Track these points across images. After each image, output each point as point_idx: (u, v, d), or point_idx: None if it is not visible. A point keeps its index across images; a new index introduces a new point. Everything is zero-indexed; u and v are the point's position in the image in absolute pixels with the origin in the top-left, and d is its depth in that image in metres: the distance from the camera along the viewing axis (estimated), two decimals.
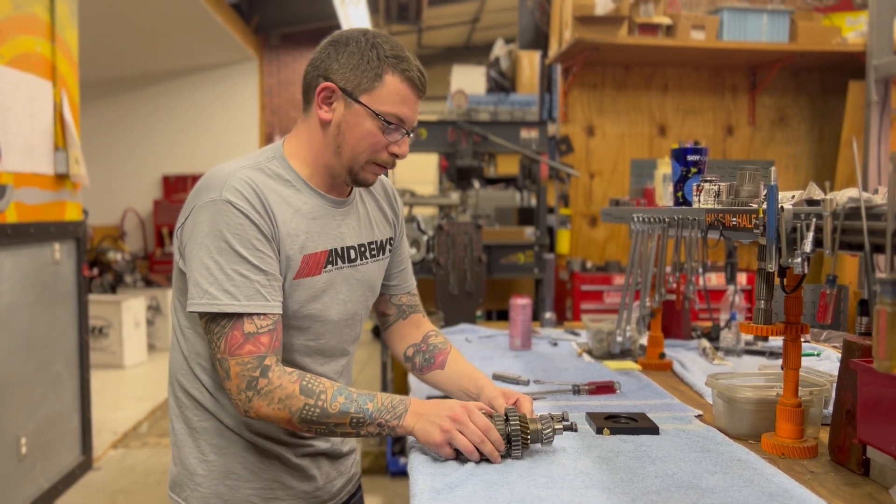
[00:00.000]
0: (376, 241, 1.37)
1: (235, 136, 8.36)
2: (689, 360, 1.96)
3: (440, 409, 1.16)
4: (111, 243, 7.66)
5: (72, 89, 3.43)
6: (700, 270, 1.71)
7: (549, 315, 2.42)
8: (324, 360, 1.29)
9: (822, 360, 1.89)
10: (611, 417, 1.40)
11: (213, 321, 1.14)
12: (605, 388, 1.63)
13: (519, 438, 1.15)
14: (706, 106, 4.17)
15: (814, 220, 1.02)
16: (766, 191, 1.19)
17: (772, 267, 1.09)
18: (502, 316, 3.84)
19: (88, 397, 3.52)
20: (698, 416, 1.47)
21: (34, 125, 3.09)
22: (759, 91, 4.14)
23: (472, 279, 2.62)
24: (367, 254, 1.34)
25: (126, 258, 7.15)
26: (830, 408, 1.41)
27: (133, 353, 6.06)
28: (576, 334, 2.35)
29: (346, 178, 1.26)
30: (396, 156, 1.26)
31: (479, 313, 4.21)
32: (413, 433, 1.16)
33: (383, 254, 1.40)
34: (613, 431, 1.34)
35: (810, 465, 1.21)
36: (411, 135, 1.28)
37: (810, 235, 1.01)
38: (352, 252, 1.30)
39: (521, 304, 2.06)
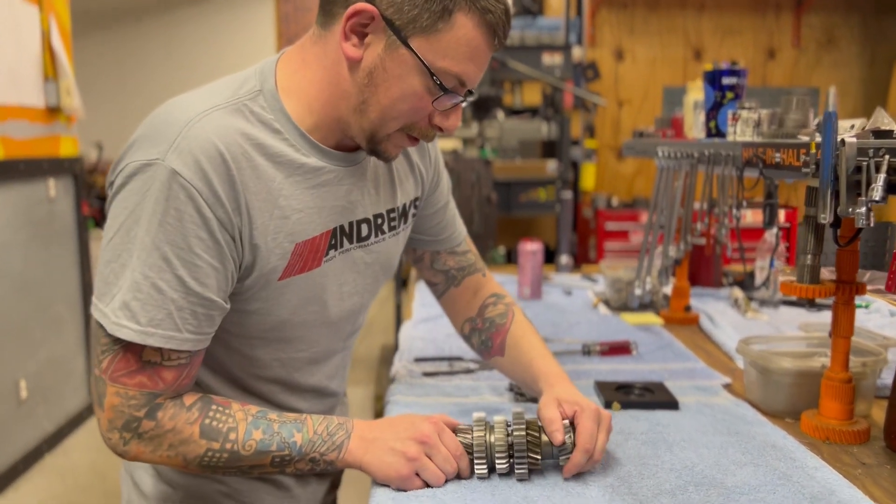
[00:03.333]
0: (397, 208, 1.03)
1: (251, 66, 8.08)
2: (719, 312, 1.74)
3: (399, 428, 0.89)
4: None
5: (61, 15, 3.21)
6: (734, 212, 1.48)
7: (564, 259, 2.21)
8: (311, 371, 1.03)
9: (872, 315, 1.66)
10: (623, 388, 1.21)
11: (102, 327, 0.82)
12: (620, 349, 1.43)
13: (525, 455, 0.89)
14: (746, 26, 3.82)
15: (886, 157, 0.79)
16: (819, 120, 0.95)
17: (825, 217, 0.86)
18: None
19: None
20: (726, 386, 1.26)
21: (20, 54, 2.89)
22: (805, 9, 3.76)
23: (479, 220, 2.41)
24: (386, 226, 1.01)
25: None
26: (886, 378, 1.20)
27: None
28: (593, 280, 2.14)
29: (361, 143, 0.91)
30: (441, 129, 0.91)
31: (500, 252, 4.01)
32: (363, 466, 0.88)
33: (405, 222, 1.06)
34: (625, 406, 1.15)
35: (861, 453, 1.00)
36: (468, 101, 0.91)
37: (881, 178, 0.78)
38: (364, 227, 0.98)
39: (530, 249, 1.85)
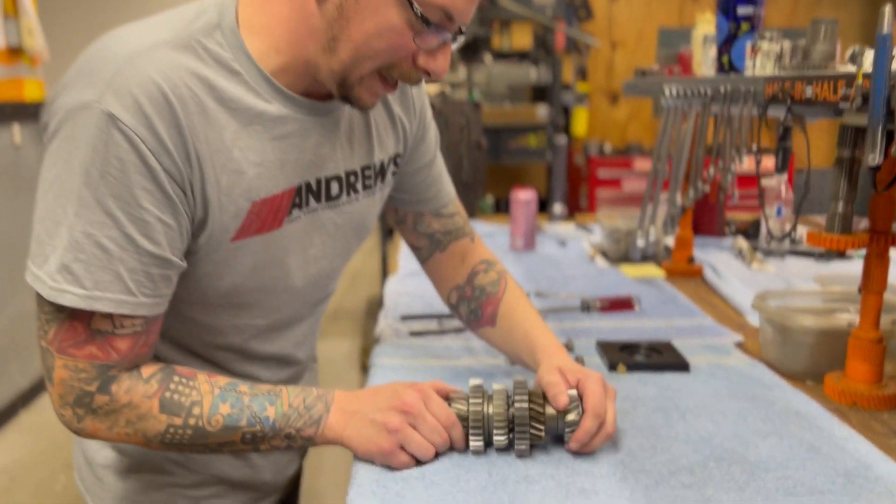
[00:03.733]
0: (374, 165, 0.90)
1: None
2: (723, 263, 1.65)
3: (380, 398, 0.79)
4: None
5: None
6: (744, 156, 1.37)
7: (558, 209, 2.10)
8: (272, 339, 0.92)
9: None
10: (628, 348, 1.11)
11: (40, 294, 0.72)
12: (622, 304, 1.33)
13: (527, 429, 0.79)
14: None
15: None
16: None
17: (875, 157, 0.74)
18: None
19: None
20: (738, 345, 1.17)
21: None
22: None
23: (469, 167, 2.28)
24: (359, 185, 0.89)
25: None
26: None
27: None
28: (588, 231, 2.03)
29: (332, 87, 0.78)
30: (428, 73, 0.78)
31: (488, 202, 3.89)
32: (344, 442, 0.78)
33: (382, 181, 0.93)
34: (631, 368, 1.05)
35: (893, 420, 0.91)
36: (457, 40, 0.79)
37: None
38: (334, 185, 0.85)
39: (523, 198, 1.74)
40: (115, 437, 0.76)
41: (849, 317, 1.04)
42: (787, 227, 1.63)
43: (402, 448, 0.77)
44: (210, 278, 0.80)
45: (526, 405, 0.79)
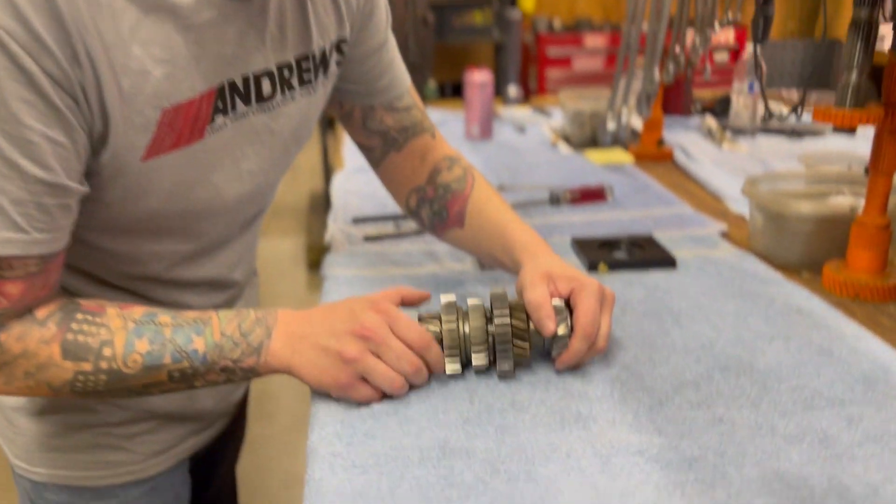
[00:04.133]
0: (313, 55, 0.74)
1: None
2: (692, 144, 1.54)
3: (334, 319, 0.66)
4: None
5: None
6: (728, 21, 1.24)
7: (513, 91, 1.95)
8: (201, 264, 0.78)
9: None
10: (607, 245, 1.00)
11: None
12: (593, 195, 1.22)
13: (509, 347, 0.69)
14: None
15: None
16: None
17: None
18: (457, 91, 3.32)
19: None
20: (723, 235, 1.08)
21: None
22: None
23: (415, 46, 2.09)
24: (296, 80, 0.73)
25: None
26: None
27: None
28: (546, 114, 1.89)
29: None
30: None
31: (431, 87, 3.68)
32: (293, 371, 0.66)
33: (325, 72, 0.77)
34: (612, 267, 0.95)
35: None
36: None
37: None
38: (265, 83, 0.69)
39: (478, 81, 1.58)
40: (16, 392, 0.63)
41: (846, 200, 0.95)
42: (760, 105, 1.53)
43: (364, 380, 0.66)
44: (121, 204, 0.65)
45: (507, 320, 0.68)
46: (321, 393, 0.68)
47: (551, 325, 0.68)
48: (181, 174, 0.66)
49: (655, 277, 0.93)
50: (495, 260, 0.83)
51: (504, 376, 0.70)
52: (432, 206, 0.88)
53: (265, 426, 2.11)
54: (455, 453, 0.60)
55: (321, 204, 3.35)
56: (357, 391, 0.66)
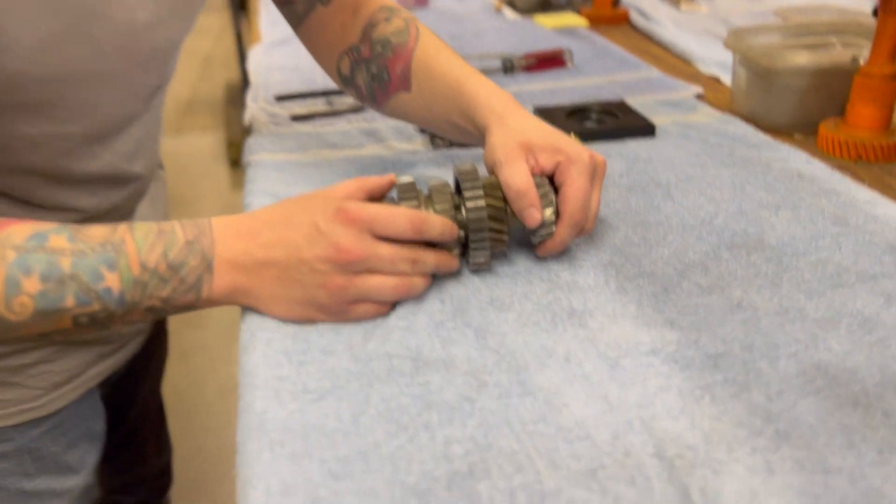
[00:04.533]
0: None
1: None
2: (648, 4, 1.40)
3: (296, 235, 0.51)
4: None
5: None
6: None
7: None
8: (93, 153, 0.60)
9: None
10: (576, 113, 0.88)
11: None
12: (551, 61, 1.08)
13: (485, 235, 0.56)
14: None
15: None
16: None
17: None
18: None
19: None
20: (699, 98, 0.96)
21: None
22: None
23: None
24: None
25: None
26: None
27: None
28: None
29: None
30: None
31: None
32: (252, 306, 0.53)
33: None
34: (584, 138, 0.82)
35: None
36: None
37: None
38: None
39: None
40: None
41: (850, 51, 0.84)
42: None
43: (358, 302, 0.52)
44: None
45: (482, 203, 0.55)
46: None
47: (536, 215, 0.56)
48: (46, 24, 0.48)
49: (634, 147, 0.81)
50: (454, 128, 0.69)
51: (478, 269, 0.58)
52: (370, 69, 0.72)
53: (195, 333, 1.97)
54: (430, 366, 0.48)
55: (239, 95, 3.09)
56: (354, 313, 0.52)
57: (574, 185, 0.56)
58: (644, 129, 0.83)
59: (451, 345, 0.50)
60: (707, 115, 0.89)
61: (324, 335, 0.51)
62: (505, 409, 0.44)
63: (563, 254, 0.60)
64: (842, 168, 0.75)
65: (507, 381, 0.47)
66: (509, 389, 0.46)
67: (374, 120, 0.90)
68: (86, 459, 0.72)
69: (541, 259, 0.60)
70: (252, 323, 0.53)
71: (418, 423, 0.44)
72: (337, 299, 0.51)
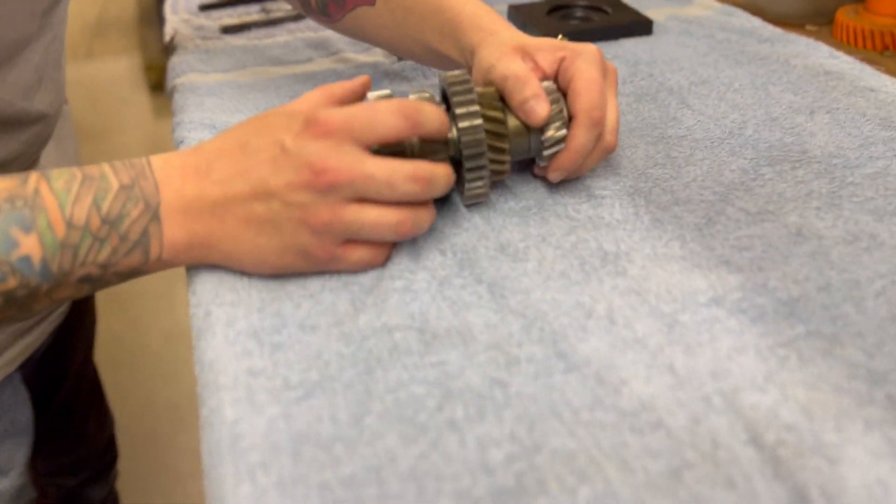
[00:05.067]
0: None
1: None
2: None
3: (260, 162, 0.39)
4: None
5: None
6: None
7: None
8: None
9: None
10: (559, 9, 0.76)
11: None
12: None
13: (483, 159, 0.44)
14: None
15: None
16: None
17: None
18: None
19: None
20: None
21: None
22: None
23: None
24: None
25: None
26: None
27: None
28: None
29: None
30: None
31: None
32: (221, 262, 0.41)
33: None
34: (574, 37, 0.71)
35: None
36: None
37: None
38: None
39: None
40: None
41: None
42: None
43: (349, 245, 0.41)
44: None
45: (478, 118, 0.44)
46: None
47: (544, 106, 0.45)
48: None
49: (631, 48, 0.70)
50: (430, 53, 0.56)
51: (474, 201, 0.47)
52: None
53: (135, 281, 1.83)
54: (442, 339, 0.38)
55: (153, 11, 2.82)
56: (347, 260, 0.41)
57: (585, 77, 0.45)
58: (640, 26, 0.72)
59: (463, 309, 0.40)
60: (705, 7, 0.78)
61: (300, 304, 0.40)
62: (548, 393, 0.35)
63: (577, 183, 0.50)
64: (867, 62, 0.65)
65: (542, 355, 0.37)
66: (548, 365, 0.36)
67: (321, 28, 0.77)
68: (14, 457, 0.61)
69: (552, 189, 0.49)
70: (204, 295, 0.41)
71: (440, 420, 0.34)
72: (324, 239, 0.39)
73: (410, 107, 0.40)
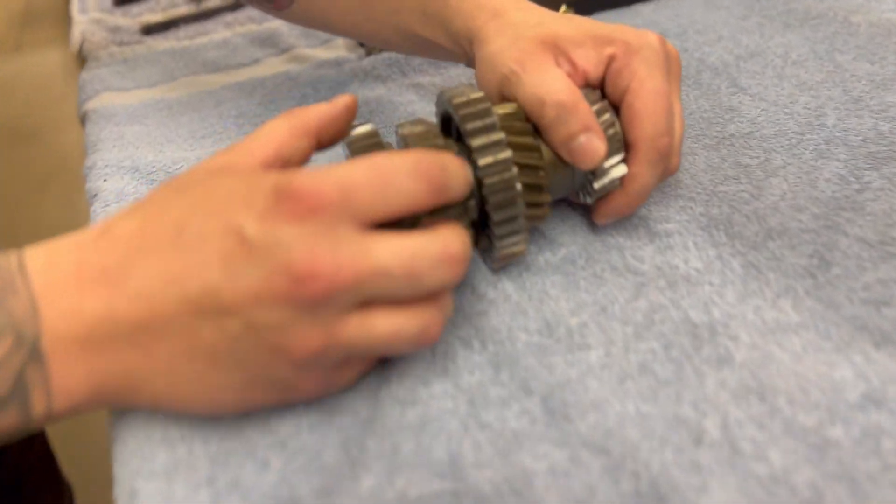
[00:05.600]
0: None
1: None
2: None
3: (191, 253, 0.24)
4: None
5: None
6: None
7: None
8: None
9: None
10: None
11: None
12: None
13: (516, 206, 0.30)
14: None
15: None
16: None
17: None
18: None
19: None
20: None
21: None
22: None
23: None
24: None
25: None
26: None
27: None
28: None
29: None
30: None
31: None
32: (151, 407, 0.27)
33: None
34: (579, 6, 0.58)
35: None
36: None
37: None
38: None
39: None
40: None
41: None
42: None
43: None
44: None
45: (506, 153, 0.31)
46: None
47: (599, 145, 0.32)
48: None
49: (650, 15, 0.57)
50: (409, 41, 0.42)
51: (507, 263, 0.35)
52: None
53: None
54: (492, 501, 0.25)
55: None
56: (342, 383, 0.29)
57: (646, 89, 0.33)
58: None
59: (513, 444, 0.27)
60: None
61: (268, 463, 0.27)
62: None
63: (638, 220, 0.37)
64: None
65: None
66: None
67: (267, 18, 0.62)
68: None
69: (596, 229, 0.37)
70: (126, 458, 0.28)
71: None
72: (313, 371, 0.26)
73: (432, 164, 0.26)
